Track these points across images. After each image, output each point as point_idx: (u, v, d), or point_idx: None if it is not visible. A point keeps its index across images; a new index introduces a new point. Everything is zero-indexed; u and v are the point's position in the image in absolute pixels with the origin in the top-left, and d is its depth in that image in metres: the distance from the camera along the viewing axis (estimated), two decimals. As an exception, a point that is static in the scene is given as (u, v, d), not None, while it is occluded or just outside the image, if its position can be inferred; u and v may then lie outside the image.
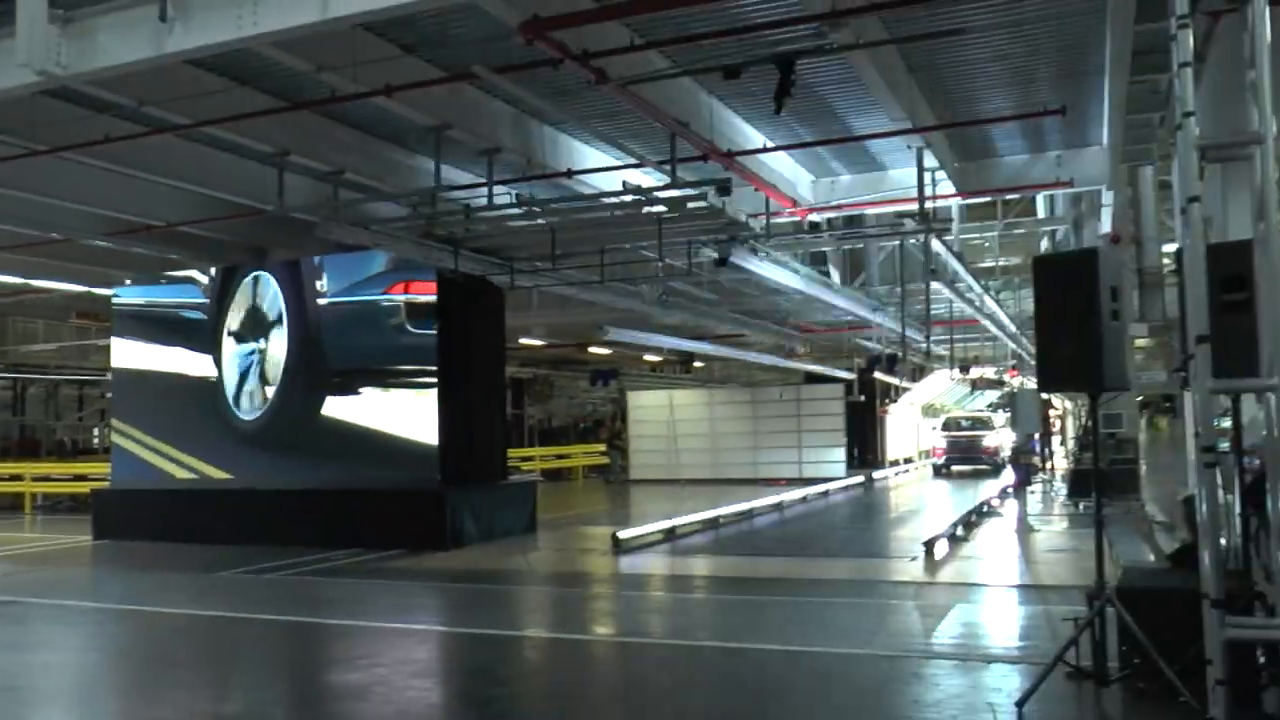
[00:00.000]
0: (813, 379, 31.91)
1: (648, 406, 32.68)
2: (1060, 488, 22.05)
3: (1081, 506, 18.24)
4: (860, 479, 28.72)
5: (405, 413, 15.67)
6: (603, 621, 10.37)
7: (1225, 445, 6.48)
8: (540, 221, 13.42)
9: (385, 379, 15.94)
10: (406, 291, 15.79)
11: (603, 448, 35.17)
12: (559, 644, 9.04)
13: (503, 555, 14.45)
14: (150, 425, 17.93)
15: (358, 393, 16.08)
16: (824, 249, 19.89)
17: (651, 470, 31.42)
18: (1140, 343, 20.99)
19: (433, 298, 15.52)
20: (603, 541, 15.15)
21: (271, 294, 17.07)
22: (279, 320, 16.95)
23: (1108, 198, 15.77)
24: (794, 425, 30.66)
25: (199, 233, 16.04)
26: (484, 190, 12.70)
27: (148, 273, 18.36)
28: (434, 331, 15.51)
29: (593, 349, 29.87)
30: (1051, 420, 33.58)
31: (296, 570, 13.21)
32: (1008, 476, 25.57)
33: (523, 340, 24.49)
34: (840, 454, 30.20)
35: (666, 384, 36.23)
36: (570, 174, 12.96)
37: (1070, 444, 31.81)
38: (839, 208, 15.81)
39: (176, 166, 12.69)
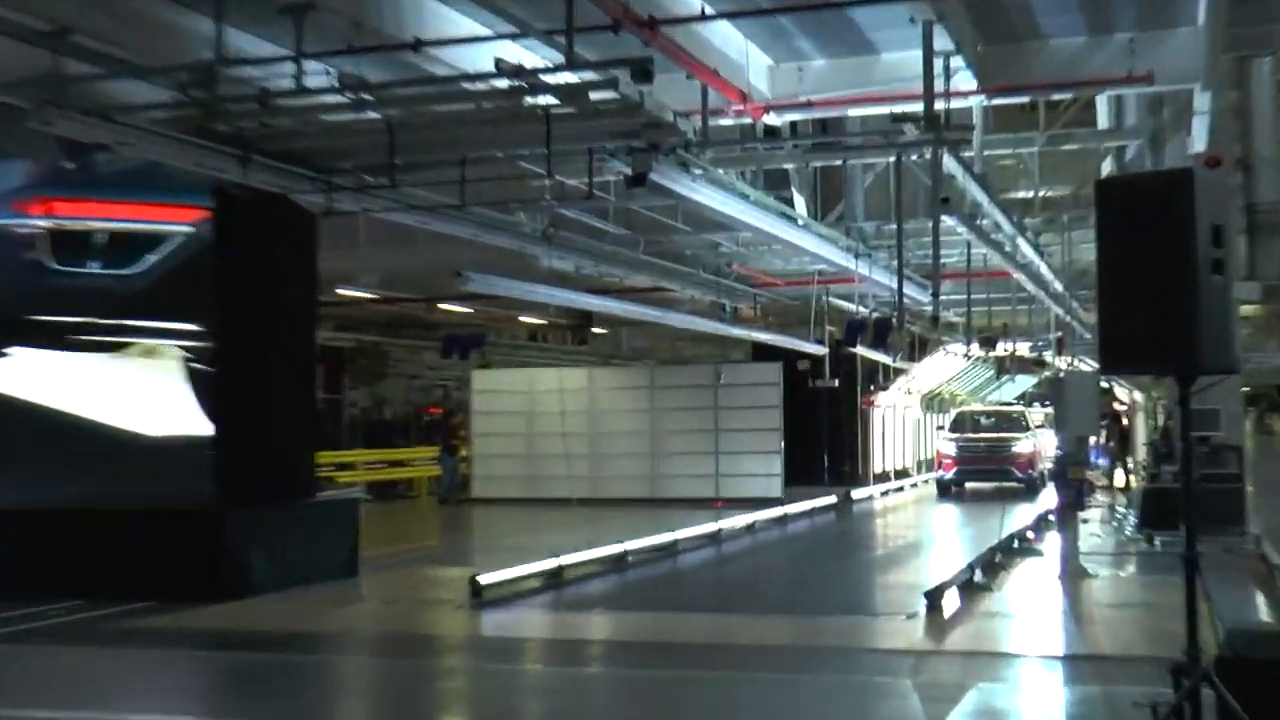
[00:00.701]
0: (761, 353, 32.04)
1: (501, 391, 32.46)
2: (1127, 515, 22.43)
3: (1158, 542, 18.58)
4: (833, 499, 29.03)
5: (157, 395, 15.59)
6: (455, 710, 10.34)
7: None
8: (373, 115, 13.31)
9: (86, 338, 16.00)
10: (50, 213, 15.91)
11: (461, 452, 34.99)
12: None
13: (309, 609, 14.35)
14: None
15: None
16: (786, 165, 19.95)
17: (503, 485, 31.47)
18: (1246, 310, 21.31)
19: (119, 223, 15.96)
20: (456, 589, 15.08)
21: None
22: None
23: (1203, 102, 15.95)
24: (709, 422, 30.80)
25: None
26: (289, 67, 12.53)
27: None
28: (144, 268, 15.78)
29: (447, 305, 29.67)
30: (1120, 417, 34.16)
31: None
32: (1049, 499, 25.92)
33: (344, 291, 24.24)
34: (776, 464, 30.40)
35: (554, 360, 36.17)
36: (418, 45, 12.75)
37: (1141, 453, 32.37)
38: (809, 105, 15.88)
39: None
